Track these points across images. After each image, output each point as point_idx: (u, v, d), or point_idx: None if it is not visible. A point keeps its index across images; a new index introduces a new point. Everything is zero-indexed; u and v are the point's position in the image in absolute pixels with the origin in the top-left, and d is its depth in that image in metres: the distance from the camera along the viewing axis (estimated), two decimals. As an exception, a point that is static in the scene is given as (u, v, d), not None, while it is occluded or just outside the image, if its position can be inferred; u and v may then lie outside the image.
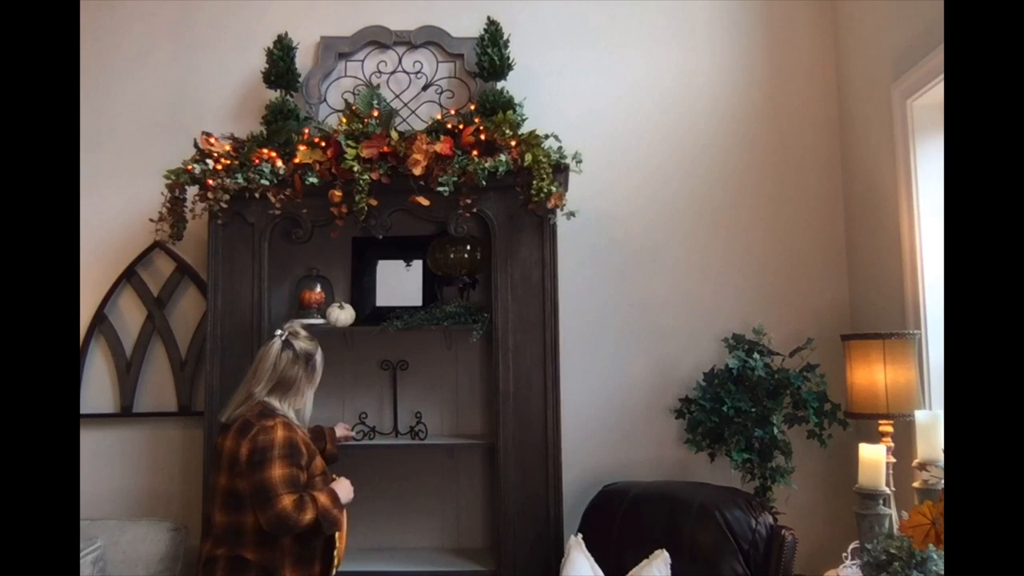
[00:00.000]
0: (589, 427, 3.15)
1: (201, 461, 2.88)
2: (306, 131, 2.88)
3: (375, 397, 3.15)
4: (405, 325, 2.91)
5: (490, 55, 3.04)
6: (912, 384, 2.49)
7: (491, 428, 2.95)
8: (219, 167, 2.82)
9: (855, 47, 3.14)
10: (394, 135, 2.78)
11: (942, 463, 2.17)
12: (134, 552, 2.67)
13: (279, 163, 2.81)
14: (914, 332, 2.57)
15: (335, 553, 2.29)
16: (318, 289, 3.03)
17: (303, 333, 2.37)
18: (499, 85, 3.05)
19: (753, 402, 2.85)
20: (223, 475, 2.21)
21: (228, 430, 2.25)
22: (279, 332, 2.33)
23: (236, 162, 2.83)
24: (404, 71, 3.29)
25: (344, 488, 2.32)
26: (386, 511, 3.13)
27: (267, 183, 2.78)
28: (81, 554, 2.53)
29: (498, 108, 2.92)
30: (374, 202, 2.77)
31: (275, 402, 2.29)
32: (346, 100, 3.15)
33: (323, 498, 2.21)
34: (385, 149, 2.77)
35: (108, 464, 3.16)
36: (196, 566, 2.31)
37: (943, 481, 1.92)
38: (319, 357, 2.36)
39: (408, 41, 3.29)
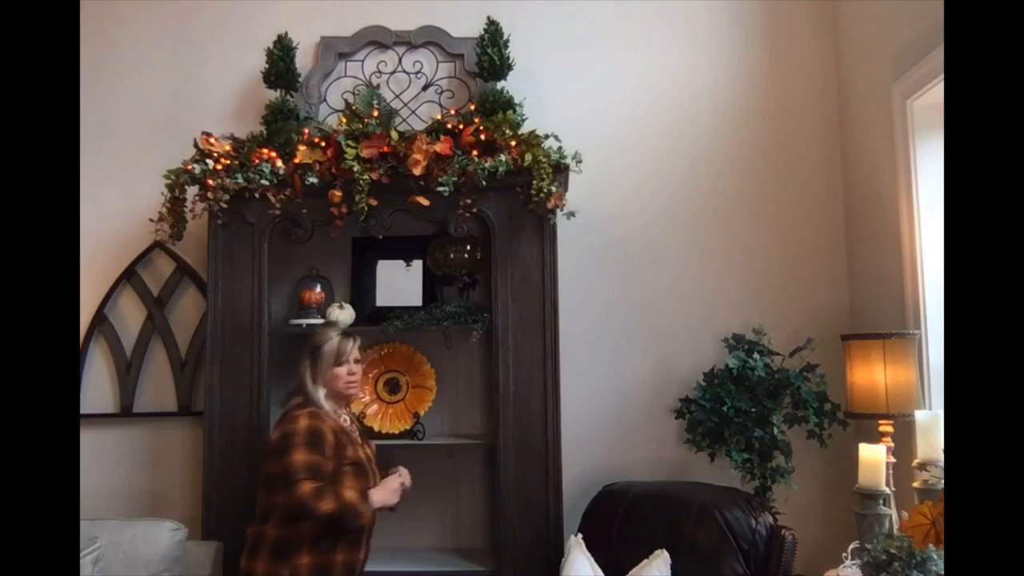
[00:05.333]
0: (589, 427, 3.15)
1: (201, 461, 2.89)
2: (306, 131, 2.88)
3: (375, 397, 3.15)
4: (405, 325, 2.91)
5: (490, 55, 3.04)
6: (912, 384, 2.49)
7: (491, 428, 2.95)
8: (219, 167, 2.82)
9: (855, 47, 3.14)
10: (394, 135, 2.78)
11: (942, 463, 2.17)
12: (134, 552, 2.66)
13: (279, 163, 2.81)
14: (914, 332, 2.57)
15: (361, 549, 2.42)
16: (318, 289, 3.04)
17: (327, 326, 2.55)
18: (499, 85, 3.05)
19: (753, 402, 2.85)
20: (265, 461, 2.41)
21: None
22: None
23: (236, 162, 2.83)
24: (404, 71, 3.29)
25: (384, 491, 2.42)
26: (386, 511, 3.12)
27: (267, 183, 2.79)
28: (81, 554, 2.53)
29: (498, 108, 2.92)
30: (374, 202, 2.77)
31: (310, 393, 2.45)
32: (346, 100, 3.15)
33: (350, 493, 2.30)
34: (385, 149, 2.77)
35: (108, 464, 3.16)
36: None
37: (943, 481, 1.92)
38: (328, 347, 2.48)
39: (408, 41, 3.29)
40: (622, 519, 2.68)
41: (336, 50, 3.29)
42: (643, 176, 3.27)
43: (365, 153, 2.77)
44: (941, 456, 2.18)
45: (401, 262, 3.19)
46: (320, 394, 2.45)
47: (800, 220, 3.24)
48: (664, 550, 2.47)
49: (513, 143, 2.76)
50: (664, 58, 3.32)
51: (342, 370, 2.49)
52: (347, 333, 2.54)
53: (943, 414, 1.96)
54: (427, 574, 2.84)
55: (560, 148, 2.78)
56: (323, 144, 2.82)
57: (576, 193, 2.91)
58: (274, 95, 3.12)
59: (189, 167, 2.84)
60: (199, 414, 3.04)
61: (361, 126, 2.83)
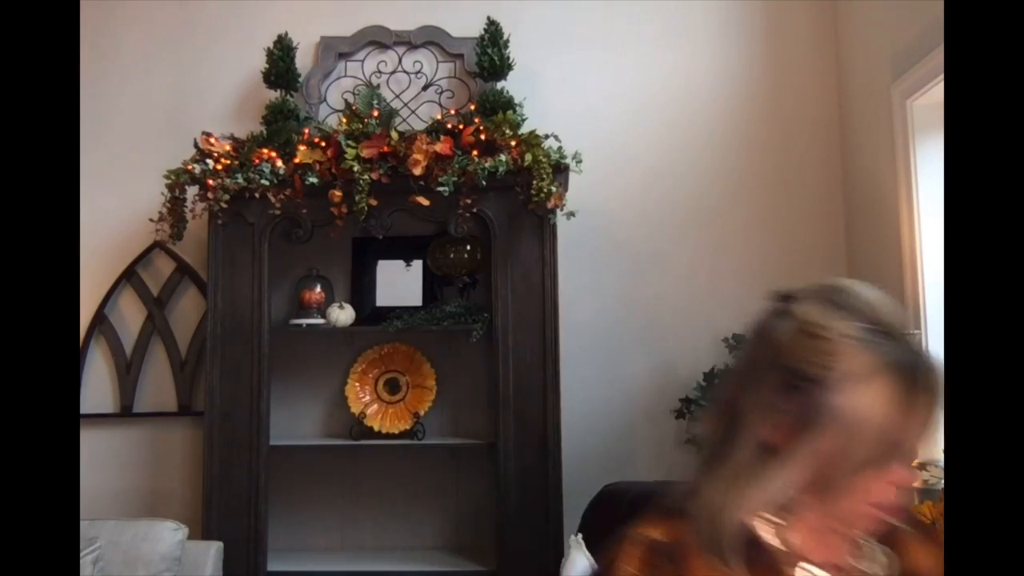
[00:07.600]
0: (589, 427, 3.14)
1: (201, 461, 2.89)
2: (306, 131, 2.88)
3: (375, 397, 3.15)
4: (405, 325, 2.91)
5: (490, 55, 3.04)
6: (912, 384, 2.49)
7: (491, 428, 2.95)
8: (219, 167, 2.82)
9: (855, 47, 3.14)
10: (394, 135, 2.78)
11: (942, 463, 2.17)
12: (134, 552, 2.66)
13: (279, 163, 2.81)
14: (914, 332, 2.58)
15: None
16: (318, 289, 3.04)
17: (838, 306, 1.01)
18: (499, 85, 3.05)
19: (753, 402, 2.84)
20: None
21: None
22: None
23: (236, 162, 2.83)
24: (404, 71, 3.29)
25: None
26: (386, 511, 3.13)
27: (267, 183, 2.78)
28: (81, 554, 2.53)
29: (498, 108, 2.92)
30: (374, 202, 2.76)
31: (722, 503, 0.96)
32: (346, 100, 3.15)
33: None
34: (385, 149, 2.77)
35: (108, 464, 3.15)
36: None
37: (943, 481, 1.92)
38: (870, 403, 0.97)
39: (408, 41, 3.29)
40: (622, 519, 2.67)
41: (336, 50, 3.29)
42: (643, 175, 3.26)
43: (365, 153, 2.77)
44: (941, 456, 2.18)
45: (401, 262, 3.19)
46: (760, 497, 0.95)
47: (800, 220, 3.24)
48: (664, 550, 2.47)
49: (513, 143, 2.76)
50: (664, 58, 3.32)
51: (887, 481, 0.99)
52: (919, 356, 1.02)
53: (943, 414, 1.96)
54: (427, 574, 2.84)
55: (560, 148, 2.78)
56: (323, 144, 2.82)
57: (576, 193, 2.90)
58: (274, 95, 3.11)
59: (189, 167, 2.84)
60: (199, 414, 3.03)
61: (361, 126, 2.83)
